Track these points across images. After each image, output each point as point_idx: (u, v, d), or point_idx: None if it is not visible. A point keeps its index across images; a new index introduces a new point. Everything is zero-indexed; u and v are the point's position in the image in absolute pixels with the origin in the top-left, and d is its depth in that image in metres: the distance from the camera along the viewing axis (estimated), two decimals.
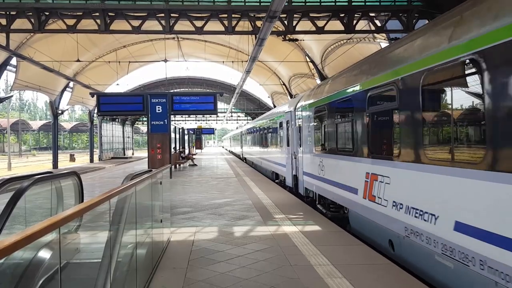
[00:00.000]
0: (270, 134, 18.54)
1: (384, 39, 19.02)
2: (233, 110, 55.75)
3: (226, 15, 15.14)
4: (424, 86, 4.88)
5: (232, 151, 56.58)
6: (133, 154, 53.63)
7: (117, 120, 45.72)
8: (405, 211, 5.34)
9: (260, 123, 22.86)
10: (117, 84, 40.48)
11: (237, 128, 56.87)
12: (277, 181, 16.69)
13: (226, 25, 15.12)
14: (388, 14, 15.44)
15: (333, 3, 15.61)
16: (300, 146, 11.66)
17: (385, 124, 6.44)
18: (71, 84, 31.53)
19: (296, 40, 22.04)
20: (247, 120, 55.57)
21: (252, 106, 56.73)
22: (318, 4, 15.73)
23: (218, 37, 30.45)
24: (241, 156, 37.68)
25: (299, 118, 11.79)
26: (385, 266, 5.31)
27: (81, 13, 15.18)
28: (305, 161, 11.14)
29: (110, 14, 15.04)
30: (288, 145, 13.51)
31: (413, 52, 5.26)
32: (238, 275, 5.06)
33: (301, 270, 5.19)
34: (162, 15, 15.18)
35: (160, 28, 15.43)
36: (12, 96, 46.07)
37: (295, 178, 12.57)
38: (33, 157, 61.32)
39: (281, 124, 15.01)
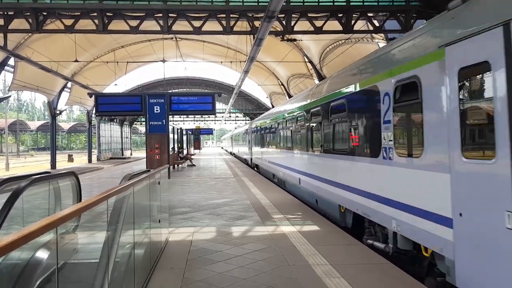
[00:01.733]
0: (339, 124, 8.15)
1: (382, 39, 19.03)
2: (231, 111, 55.74)
3: (224, 15, 15.14)
4: None
5: (235, 154, 45.39)
6: (131, 154, 53.64)
7: (115, 120, 45.69)
8: None
9: (301, 105, 11.44)
10: (115, 85, 40.45)
11: (235, 128, 56.52)
12: (371, 242, 6.64)
13: (224, 25, 15.12)
14: (386, 14, 15.47)
15: (331, 3, 15.63)
16: None
17: None
18: (69, 84, 31.47)
19: (295, 40, 22.06)
20: (245, 120, 55.50)
21: (251, 106, 56.78)
22: (316, 4, 15.75)
23: (217, 37, 30.45)
24: (250, 161, 27.86)
25: None
26: (383, 266, 5.32)
27: (79, 13, 15.16)
28: None
29: (108, 14, 15.02)
30: None
31: None
32: (236, 275, 5.06)
33: (299, 270, 5.19)
34: (160, 15, 15.17)
35: (158, 28, 15.41)
36: (10, 96, 45.97)
37: None
38: (31, 157, 61.15)
39: (413, 87, 5.01)
